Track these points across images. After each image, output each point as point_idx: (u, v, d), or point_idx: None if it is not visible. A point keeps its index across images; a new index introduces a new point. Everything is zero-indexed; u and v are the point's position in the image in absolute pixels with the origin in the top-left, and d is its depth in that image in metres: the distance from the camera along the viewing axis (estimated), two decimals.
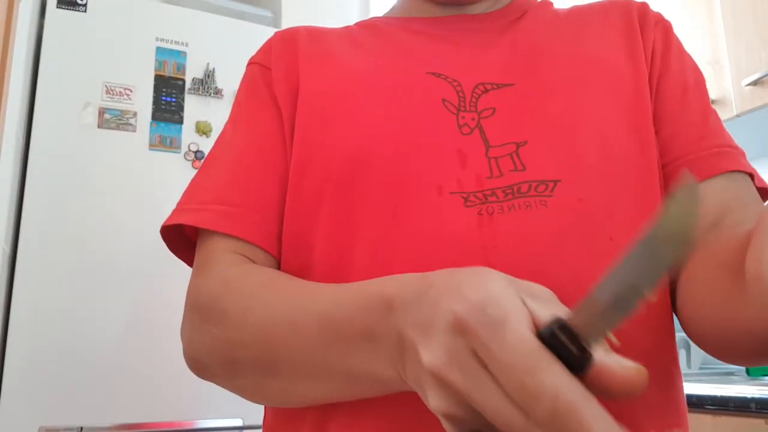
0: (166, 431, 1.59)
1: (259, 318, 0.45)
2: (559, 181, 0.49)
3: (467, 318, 0.30)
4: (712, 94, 1.54)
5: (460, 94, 0.54)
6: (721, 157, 0.54)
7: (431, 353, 0.31)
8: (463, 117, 0.53)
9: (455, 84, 0.55)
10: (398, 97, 0.55)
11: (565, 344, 0.28)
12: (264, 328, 0.45)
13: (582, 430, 0.27)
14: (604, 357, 0.29)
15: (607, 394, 0.29)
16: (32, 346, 1.53)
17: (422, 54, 0.58)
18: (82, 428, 1.51)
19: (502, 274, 0.33)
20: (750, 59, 1.47)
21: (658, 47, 0.59)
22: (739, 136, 1.62)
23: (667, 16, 0.64)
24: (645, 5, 0.63)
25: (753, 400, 1.10)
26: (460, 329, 0.30)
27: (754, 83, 1.44)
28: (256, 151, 0.57)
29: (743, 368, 1.52)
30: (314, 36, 0.62)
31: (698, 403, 1.20)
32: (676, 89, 0.58)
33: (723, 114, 1.53)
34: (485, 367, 0.29)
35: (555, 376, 0.27)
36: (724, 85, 1.54)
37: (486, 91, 0.54)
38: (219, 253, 0.53)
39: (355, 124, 0.54)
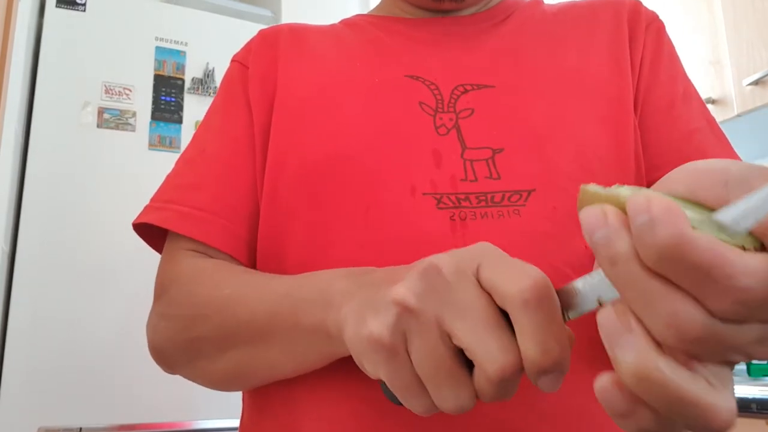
0: (165, 431, 1.59)
1: (231, 292, 0.47)
2: (534, 190, 0.49)
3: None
4: (713, 93, 1.54)
5: (438, 97, 0.54)
6: None
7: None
8: (440, 118, 0.53)
9: (433, 87, 0.55)
10: (375, 99, 0.55)
11: None
12: (231, 298, 0.47)
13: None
14: None
15: None
16: (31, 346, 1.53)
17: (402, 56, 0.58)
18: (81, 429, 1.51)
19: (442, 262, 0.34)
20: (751, 59, 1.47)
21: (648, 54, 0.58)
22: (739, 136, 1.63)
23: (667, 15, 0.63)
24: (637, 4, 0.61)
25: (754, 400, 1.10)
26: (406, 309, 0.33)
27: (755, 83, 1.44)
28: (226, 153, 0.57)
29: (744, 368, 1.52)
30: (297, 35, 0.62)
31: None
32: (664, 101, 0.57)
33: (724, 114, 1.52)
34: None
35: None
36: (725, 84, 1.53)
37: (465, 91, 0.54)
38: (183, 251, 0.54)
39: (331, 126, 0.54)
